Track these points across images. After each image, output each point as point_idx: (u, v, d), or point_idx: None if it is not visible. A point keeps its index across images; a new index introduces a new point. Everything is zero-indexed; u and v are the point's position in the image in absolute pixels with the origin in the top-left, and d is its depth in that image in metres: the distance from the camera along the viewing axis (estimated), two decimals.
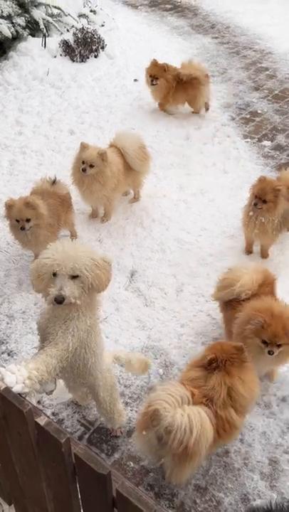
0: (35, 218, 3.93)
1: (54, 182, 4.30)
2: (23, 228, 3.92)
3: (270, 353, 3.00)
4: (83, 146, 4.38)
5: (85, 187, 4.50)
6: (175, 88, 6.31)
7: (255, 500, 2.80)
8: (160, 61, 6.35)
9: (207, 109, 6.61)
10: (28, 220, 3.91)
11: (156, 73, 6.24)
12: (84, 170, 4.34)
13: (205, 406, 2.58)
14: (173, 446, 2.41)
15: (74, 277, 2.26)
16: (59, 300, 2.23)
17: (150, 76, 6.28)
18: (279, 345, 3.00)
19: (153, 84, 6.30)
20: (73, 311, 2.34)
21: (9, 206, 3.91)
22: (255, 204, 4.04)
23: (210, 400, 2.61)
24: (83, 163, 4.34)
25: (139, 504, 1.52)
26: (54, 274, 2.28)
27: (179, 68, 6.34)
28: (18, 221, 3.91)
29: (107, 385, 2.74)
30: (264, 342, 3.00)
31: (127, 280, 4.23)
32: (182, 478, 2.70)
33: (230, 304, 3.39)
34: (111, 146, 4.71)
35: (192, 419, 2.40)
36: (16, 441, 1.97)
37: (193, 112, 6.62)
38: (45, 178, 4.37)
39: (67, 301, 2.24)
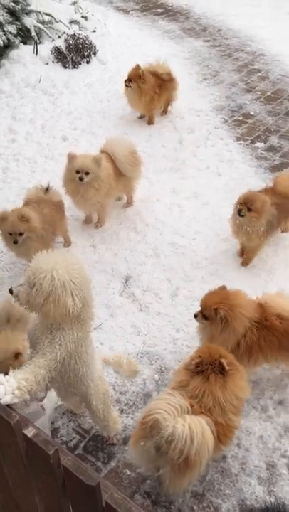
0: (28, 231, 3.91)
1: (47, 189, 4.28)
2: (15, 242, 3.91)
3: (195, 316, 3.26)
4: (71, 157, 4.36)
5: (80, 196, 4.47)
6: (160, 91, 6.31)
7: (252, 505, 2.77)
8: (151, 65, 6.35)
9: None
10: (20, 234, 3.88)
11: (133, 77, 6.22)
12: (81, 179, 4.32)
13: (205, 415, 2.54)
14: (173, 457, 2.37)
15: (33, 286, 2.25)
16: (9, 290, 2.34)
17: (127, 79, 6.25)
18: (205, 318, 3.13)
19: (126, 86, 6.26)
20: (55, 323, 2.31)
21: (2, 219, 3.88)
22: (240, 211, 3.97)
23: (208, 410, 2.58)
24: (77, 172, 4.33)
25: None
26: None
27: (154, 71, 6.31)
28: (10, 234, 3.90)
29: (100, 393, 2.71)
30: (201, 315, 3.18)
31: (122, 286, 4.21)
32: (180, 488, 2.68)
33: None
34: (102, 152, 4.69)
35: (193, 429, 2.37)
36: (6, 454, 1.94)
37: (163, 113, 6.67)
38: (37, 186, 4.34)
39: (13, 296, 2.32)
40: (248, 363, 3.16)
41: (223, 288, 3.23)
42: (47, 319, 2.28)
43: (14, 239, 3.89)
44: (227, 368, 2.64)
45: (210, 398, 2.58)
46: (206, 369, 2.66)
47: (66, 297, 2.21)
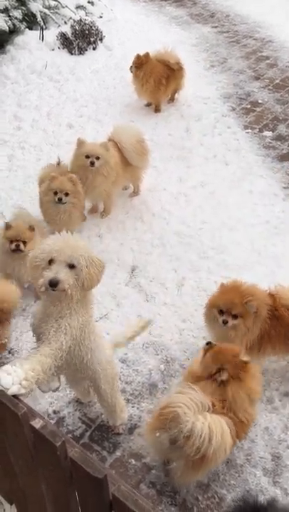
0: (73, 195, 4.07)
1: (58, 163, 4.41)
2: (60, 200, 4.03)
3: (224, 322, 3.00)
4: (81, 142, 4.35)
5: (89, 182, 4.43)
6: (167, 81, 6.22)
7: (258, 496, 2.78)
8: (159, 53, 6.27)
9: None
10: (66, 194, 4.02)
11: (137, 64, 6.18)
12: (92, 163, 4.31)
13: (226, 416, 2.53)
14: (190, 453, 2.37)
15: (70, 267, 2.25)
16: (54, 283, 2.18)
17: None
18: (235, 316, 2.99)
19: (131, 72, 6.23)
20: (65, 309, 2.31)
21: (52, 178, 4.05)
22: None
23: (229, 409, 2.59)
24: (87, 157, 4.31)
25: (135, 508, 1.49)
26: (50, 262, 2.26)
27: (164, 59, 6.23)
28: (56, 193, 4.03)
29: (108, 376, 2.72)
30: (220, 312, 3.02)
31: (128, 275, 4.20)
32: (191, 481, 2.68)
33: None
34: (109, 140, 4.65)
35: (212, 429, 2.35)
36: (13, 443, 1.95)
37: (170, 100, 6.60)
38: (49, 164, 4.47)
39: (61, 286, 2.19)
40: (257, 353, 3.15)
41: (234, 283, 3.18)
42: (92, 286, 2.33)
43: (60, 196, 4.02)
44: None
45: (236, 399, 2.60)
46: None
47: (95, 256, 2.35)
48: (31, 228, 3.75)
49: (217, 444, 2.34)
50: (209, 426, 2.34)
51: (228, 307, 3.04)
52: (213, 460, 2.42)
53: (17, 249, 3.69)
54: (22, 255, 3.65)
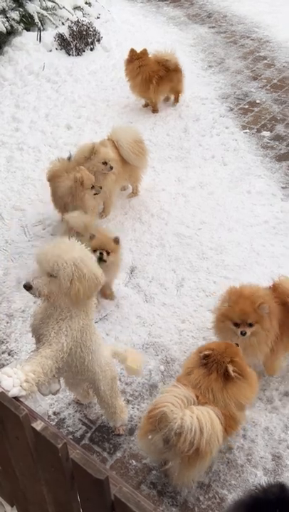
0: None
1: (69, 158, 4.45)
2: (101, 188, 4.25)
3: (242, 333, 2.94)
4: (96, 149, 4.37)
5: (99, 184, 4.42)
6: (161, 80, 6.18)
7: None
8: (158, 52, 6.28)
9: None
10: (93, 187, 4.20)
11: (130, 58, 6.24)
12: (111, 168, 4.40)
13: (211, 405, 2.54)
14: (183, 449, 2.38)
15: (50, 276, 2.25)
16: (26, 287, 2.29)
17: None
18: (250, 325, 2.95)
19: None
20: (65, 311, 2.32)
21: (81, 177, 4.11)
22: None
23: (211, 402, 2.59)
24: (105, 163, 4.37)
25: (137, 509, 1.49)
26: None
27: (160, 58, 6.21)
28: (93, 187, 4.18)
29: (107, 378, 2.72)
30: (236, 324, 2.96)
31: (127, 276, 4.20)
32: (189, 480, 2.68)
33: None
34: (108, 140, 4.66)
35: (202, 420, 2.37)
36: (14, 446, 1.95)
37: (175, 102, 6.57)
38: (59, 158, 4.52)
39: (32, 292, 2.27)
40: (285, 347, 3.21)
41: (238, 291, 3.12)
42: (77, 300, 2.28)
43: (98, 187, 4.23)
44: (233, 374, 2.63)
45: (209, 394, 2.59)
46: (211, 365, 2.65)
47: (92, 269, 2.27)
48: (116, 240, 3.78)
49: (208, 433, 2.37)
50: (198, 418, 2.37)
51: (242, 318, 2.98)
52: (208, 452, 2.43)
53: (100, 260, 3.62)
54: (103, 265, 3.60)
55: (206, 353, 2.67)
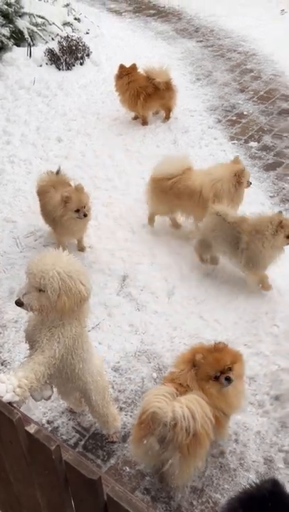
0: (87, 206, 4.14)
1: (58, 172, 4.47)
2: (85, 215, 4.10)
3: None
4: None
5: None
6: (149, 96, 6.23)
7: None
8: (145, 66, 6.39)
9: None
10: (84, 207, 4.10)
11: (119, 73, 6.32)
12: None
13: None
14: (181, 439, 2.43)
15: (40, 290, 2.29)
16: (17, 303, 2.34)
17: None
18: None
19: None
20: (58, 320, 2.35)
21: (67, 198, 4.01)
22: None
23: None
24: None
25: (130, 508, 1.52)
26: None
27: (151, 75, 6.25)
28: (77, 211, 4.06)
29: (99, 388, 2.75)
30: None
31: (119, 285, 4.24)
32: (191, 474, 2.71)
33: None
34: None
35: (191, 407, 2.45)
36: (8, 450, 1.97)
37: (165, 119, 6.59)
38: (47, 172, 4.52)
39: (24, 308, 2.33)
40: None
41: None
42: (63, 313, 2.32)
43: (84, 213, 4.08)
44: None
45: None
46: (200, 368, 2.71)
47: (76, 285, 2.29)
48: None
49: (201, 416, 2.45)
50: (187, 406, 2.44)
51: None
52: (205, 435, 2.50)
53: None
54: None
55: (200, 357, 2.73)
